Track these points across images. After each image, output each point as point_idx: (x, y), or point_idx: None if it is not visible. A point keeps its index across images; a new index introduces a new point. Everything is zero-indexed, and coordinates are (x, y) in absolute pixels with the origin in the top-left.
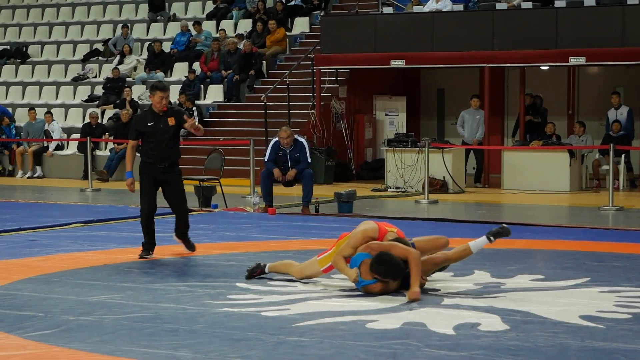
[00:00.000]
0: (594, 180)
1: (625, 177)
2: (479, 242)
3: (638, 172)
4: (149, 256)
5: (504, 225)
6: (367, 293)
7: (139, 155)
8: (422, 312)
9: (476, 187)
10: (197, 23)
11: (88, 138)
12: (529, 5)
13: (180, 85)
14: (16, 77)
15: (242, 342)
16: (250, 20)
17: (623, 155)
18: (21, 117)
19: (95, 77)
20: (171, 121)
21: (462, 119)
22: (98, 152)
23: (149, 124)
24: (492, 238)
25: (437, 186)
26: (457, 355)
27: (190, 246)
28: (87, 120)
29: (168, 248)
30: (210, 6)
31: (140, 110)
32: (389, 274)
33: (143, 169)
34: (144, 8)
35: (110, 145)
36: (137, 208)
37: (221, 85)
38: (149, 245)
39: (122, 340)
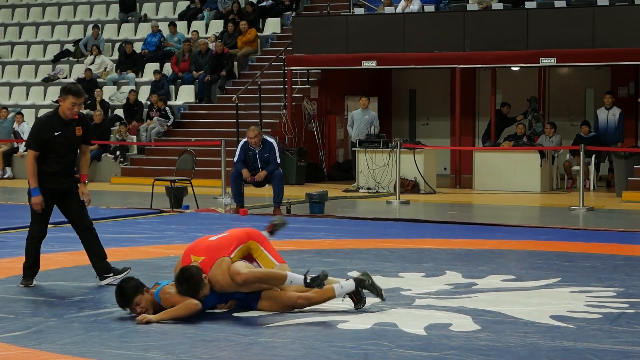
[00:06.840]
0: (568, 179)
1: (595, 177)
2: (345, 287)
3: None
4: (31, 284)
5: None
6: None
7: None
8: (393, 312)
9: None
10: (172, 24)
11: None
12: (499, 6)
13: (150, 86)
14: None
15: (213, 343)
16: (222, 21)
17: (593, 156)
18: None
19: (66, 77)
20: (78, 131)
21: (352, 119)
22: None
23: (55, 133)
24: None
25: (409, 187)
26: (428, 355)
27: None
28: None
29: (138, 249)
30: (181, 7)
31: (110, 112)
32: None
33: (42, 183)
34: (114, 8)
35: None
36: (108, 209)
37: (192, 86)
38: (32, 270)
39: (93, 341)
